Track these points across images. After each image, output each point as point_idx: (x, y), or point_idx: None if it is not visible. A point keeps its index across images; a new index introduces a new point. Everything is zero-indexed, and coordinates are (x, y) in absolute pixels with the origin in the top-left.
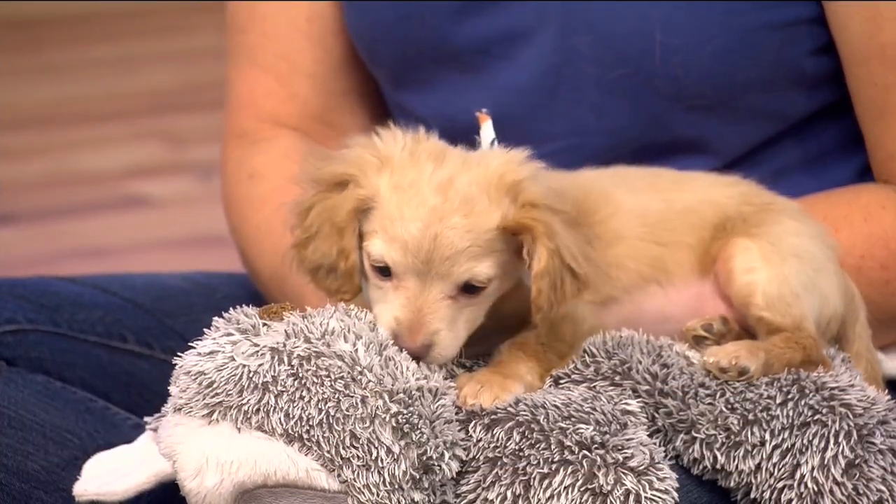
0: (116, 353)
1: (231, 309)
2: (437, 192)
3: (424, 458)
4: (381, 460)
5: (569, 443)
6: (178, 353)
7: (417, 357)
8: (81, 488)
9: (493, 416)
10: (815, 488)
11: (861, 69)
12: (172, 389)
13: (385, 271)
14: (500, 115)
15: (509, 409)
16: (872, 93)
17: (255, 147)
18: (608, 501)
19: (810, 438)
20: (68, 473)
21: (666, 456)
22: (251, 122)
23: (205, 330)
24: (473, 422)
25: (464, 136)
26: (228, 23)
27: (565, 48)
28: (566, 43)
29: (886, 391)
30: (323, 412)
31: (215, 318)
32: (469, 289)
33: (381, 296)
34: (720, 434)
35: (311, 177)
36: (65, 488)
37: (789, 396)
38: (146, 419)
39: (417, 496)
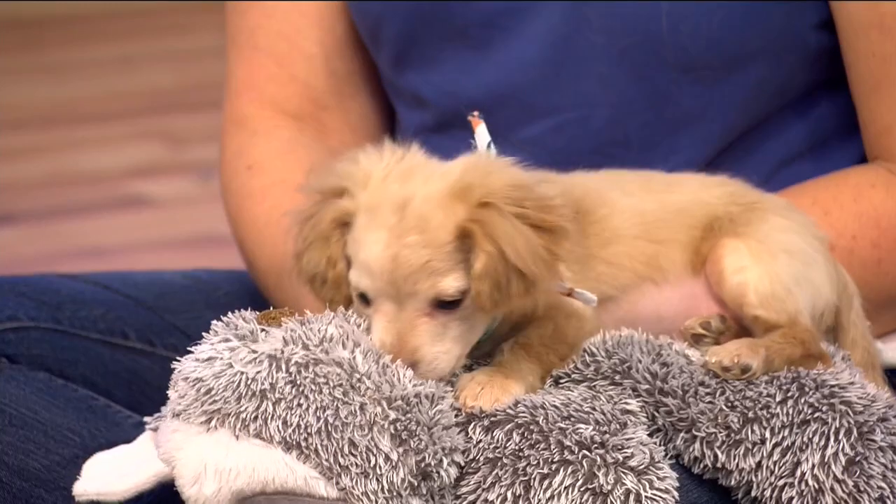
0: (118, 351)
1: (230, 311)
2: (395, 213)
3: (423, 464)
4: (380, 467)
5: (568, 443)
6: (178, 355)
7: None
8: (81, 488)
9: (492, 419)
10: (816, 486)
11: (860, 40)
12: (171, 394)
13: (365, 298)
14: (506, 89)
15: (508, 410)
16: (870, 64)
17: (255, 138)
18: (608, 501)
19: (810, 436)
20: (69, 472)
21: (666, 455)
22: (251, 106)
23: (203, 335)
24: (473, 424)
25: (468, 113)
26: (229, 8)
27: (574, 17)
28: (575, 12)
29: (885, 380)
30: (321, 420)
31: (213, 323)
32: (443, 305)
33: (370, 324)
34: (720, 432)
35: (313, 188)
36: (66, 487)
37: (789, 394)
38: (146, 419)
39: (416, 503)
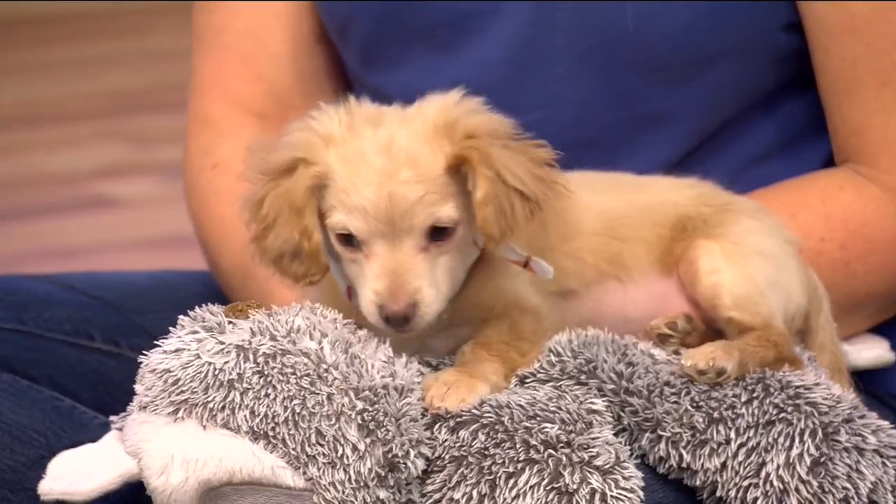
0: (84, 352)
1: (197, 307)
2: (381, 154)
3: (390, 455)
4: (347, 458)
5: (534, 442)
6: (145, 352)
7: (406, 319)
8: (47, 487)
9: (458, 419)
10: (781, 486)
11: (830, 42)
12: (138, 388)
13: (350, 240)
14: (472, 90)
15: (474, 410)
16: (840, 66)
17: (221, 138)
18: (574, 500)
19: (775, 437)
20: (35, 473)
21: (631, 455)
22: (217, 105)
23: (170, 328)
24: (438, 424)
25: None
26: (195, 6)
27: (539, 18)
28: (540, 12)
29: (852, 383)
30: (288, 409)
31: (181, 317)
32: (437, 234)
33: (357, 271)
34: (685, 432)
35: (259, 169)
36: (31, 487)
37: (754, 395)
38: (112, 418)
39: (383, 494)
